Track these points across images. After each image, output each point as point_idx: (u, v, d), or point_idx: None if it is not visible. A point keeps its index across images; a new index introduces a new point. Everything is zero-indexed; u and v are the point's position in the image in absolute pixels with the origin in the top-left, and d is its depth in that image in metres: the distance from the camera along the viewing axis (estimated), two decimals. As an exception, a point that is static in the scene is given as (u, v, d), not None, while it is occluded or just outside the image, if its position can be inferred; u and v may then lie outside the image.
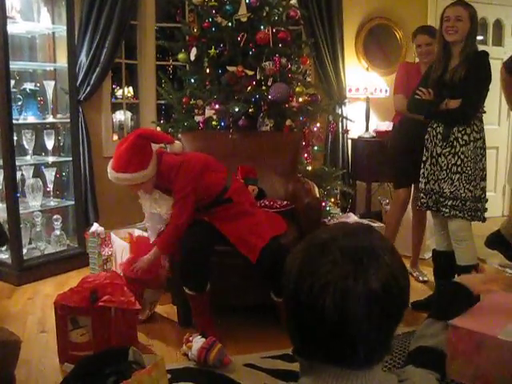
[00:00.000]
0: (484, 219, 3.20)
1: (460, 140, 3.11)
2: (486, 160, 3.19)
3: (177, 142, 3.21)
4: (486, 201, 3.20)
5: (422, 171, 3.32)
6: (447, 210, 3.16)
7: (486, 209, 3.21)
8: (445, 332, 1.42)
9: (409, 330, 2.74)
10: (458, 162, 3.11)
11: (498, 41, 5.82)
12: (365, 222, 4.63)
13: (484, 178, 3.17)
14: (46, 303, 3.52)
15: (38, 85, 4.23)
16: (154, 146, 3.09)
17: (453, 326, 1.58)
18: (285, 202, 3.45)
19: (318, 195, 3.44)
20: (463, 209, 3.11)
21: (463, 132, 3.11)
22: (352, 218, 4.71)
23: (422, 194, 3.34)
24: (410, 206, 4.04)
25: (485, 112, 3.20)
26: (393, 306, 0.97)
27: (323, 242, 0.98)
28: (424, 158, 3.30)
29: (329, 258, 0.94)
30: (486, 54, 3.11)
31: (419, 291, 3.76)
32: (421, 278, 4.00)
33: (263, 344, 2.91)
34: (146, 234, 3.74)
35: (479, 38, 5.31)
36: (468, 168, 3.09)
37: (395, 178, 4.01)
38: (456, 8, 3.08)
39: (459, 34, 3.05)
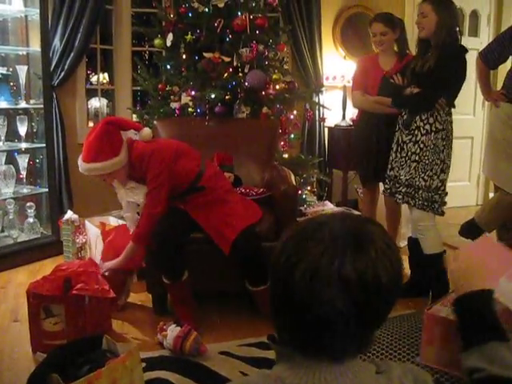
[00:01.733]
0: (442, 213, 3.22)
1: (422, 129, 3.14)
2: (448, 154, 3.17)
3: (146, 128, 3.13)
4: (446, 194, 3.21)
5: (390, 158, 3.36)
6: (400, 197, 3.23)
7: (445, 202, 3.22)
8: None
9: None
10: (417, 151, 3.15)
11: (474, 31, 5.85)
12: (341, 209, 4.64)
13: (444, 171, 3.17)
14: (18, 292, 3.46)
15: (11, 69, 4.14)
16: (125, 134, 3.03)
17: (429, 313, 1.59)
18: (261, 190, 3.43)
19: (294, 183, 3.43)
20: (415, 197, 3.15)
21: (425, 121, 3.13)
22: (328, 206, 4.72)
23: (387, 180, 3.37)
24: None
25: (454, 107, 3.18)
26: (391, 296, 0.95)
27: (316, 228, 0.95)
28: (393, 146, 3.34)
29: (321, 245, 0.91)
30: (459, 48, 3.12)
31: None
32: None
33: (239, 332, 2.89)
34: (120, 222, 3.70)
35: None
36: (425, 157, 3.12)
37: (360, 177, 4.09)
38: (421, 5, 3.17)
39: (426, 30, 3.11)
